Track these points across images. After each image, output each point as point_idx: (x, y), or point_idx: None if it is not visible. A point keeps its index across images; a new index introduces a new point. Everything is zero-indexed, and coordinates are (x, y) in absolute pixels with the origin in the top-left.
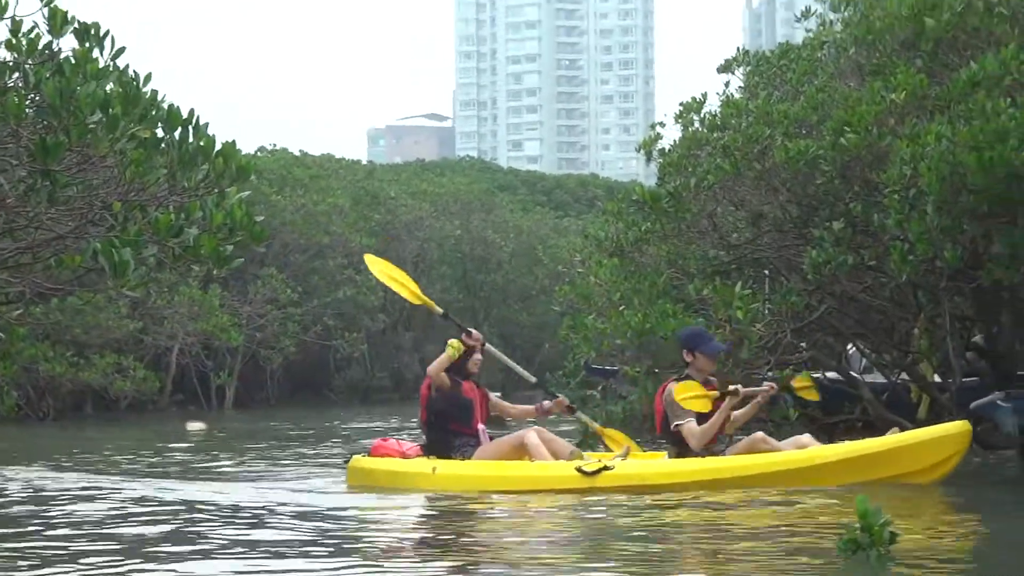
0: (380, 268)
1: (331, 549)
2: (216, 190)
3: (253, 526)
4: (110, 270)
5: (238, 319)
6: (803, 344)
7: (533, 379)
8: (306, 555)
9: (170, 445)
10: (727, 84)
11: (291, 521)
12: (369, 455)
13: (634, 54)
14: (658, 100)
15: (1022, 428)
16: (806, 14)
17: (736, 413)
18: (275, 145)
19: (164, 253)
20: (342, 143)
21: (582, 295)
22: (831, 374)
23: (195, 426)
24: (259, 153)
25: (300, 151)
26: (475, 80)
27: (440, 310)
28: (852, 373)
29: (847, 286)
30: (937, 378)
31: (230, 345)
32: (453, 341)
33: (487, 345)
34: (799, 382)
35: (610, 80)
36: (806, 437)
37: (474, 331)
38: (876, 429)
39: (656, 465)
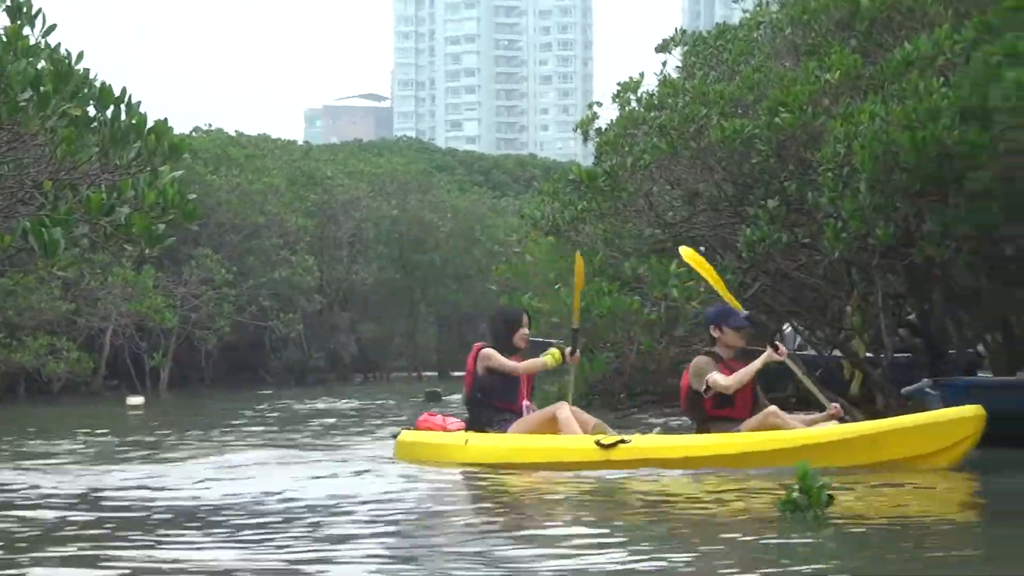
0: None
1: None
2: (148, 168)
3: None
4: (40, 250)
5: (172, 300)
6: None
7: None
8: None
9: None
10: (664, 64)
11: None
12: (415, 429)
13: (573, 35)
14: (596, 80)
15: None
16: None
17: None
18: (211, 125)
19: (95, 232)
20: (279, 123)
21: (518, 274)
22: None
23: (134, 400)
24: (194, 133)
25: (236, 131)
26: (413, 60)
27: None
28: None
29: (781, 264)
30: (869, 355)
31: (164, 326)
32: (556, 353)
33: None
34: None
35: (549, 60)
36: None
37: (576, 353)
38: (810, 405)
39: (672, 440)
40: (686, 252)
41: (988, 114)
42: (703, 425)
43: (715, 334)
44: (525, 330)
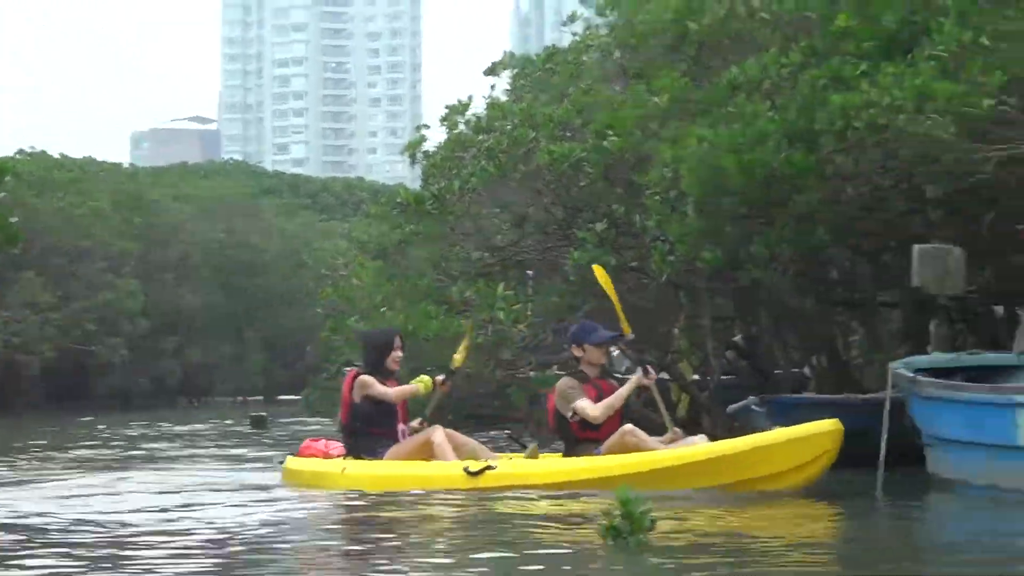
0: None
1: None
2: None
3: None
4: None
5: None
6: (565, 344)
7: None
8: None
9: None
10: (493, 87)
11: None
12: (297, 455)
13: (402, 57)
14: (425, 103)
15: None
16: (572, 18)
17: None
18: (34, 148)
19: None
20: (105, 146)
21: (345, 297)
22: None
23: None
24: (18, 156)
25: (60, 154)
26: (241, 83)
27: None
28: (615, 373)
29: None
30: (696, 377)
31: None
32: (427, 380)
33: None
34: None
35: (377, 83)
36: (698, 438)
37: (448, 381)
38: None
39: (536, 465)
40: (598, 270)
41: (814, 137)
42: (571, 448)
43: (577, 353)
44: (398, 352)
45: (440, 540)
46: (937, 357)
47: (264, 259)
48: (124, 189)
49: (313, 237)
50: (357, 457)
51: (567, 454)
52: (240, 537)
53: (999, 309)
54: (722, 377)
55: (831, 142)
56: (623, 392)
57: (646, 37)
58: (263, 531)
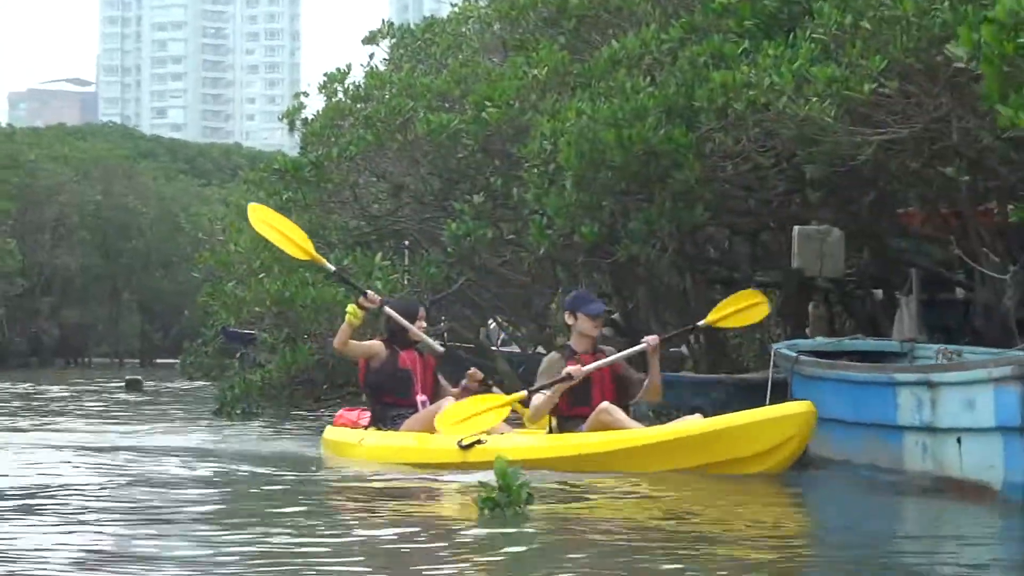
0: (262, 217)
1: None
2: None
3: None
4: None
5: None
6: (443, 316)
7: (440, 349)
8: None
9: None
10: (372, 56)
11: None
12: (333, 424)
13: (281, 24)
14: (304, 71)
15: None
16: None
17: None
18: None
19: None
20: None
21: (222, 262)
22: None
23: None
24: None
25: None
26: (119, 46)
27: (331, 268)
28: (490, 345)
29: (486, 259)
30: None
31: None
32: (350, 307)
33: (387, 308)
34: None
35: (256, 50)
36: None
37: (370, 292)
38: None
39: (522, 441)
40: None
41: (694, 115)
42: (560, 424)
43: (569, 322)
44: (422, 323)
45: (320, 514)
46: (820, 341)
47: (141, 222)
48: (1, 149)
49: (190, 202)
50: (377, 428)
51: (556, 430)
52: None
53: (878, 293)
54: None
55: (711, 120)
56: (551, 396)
57: (526, 9)
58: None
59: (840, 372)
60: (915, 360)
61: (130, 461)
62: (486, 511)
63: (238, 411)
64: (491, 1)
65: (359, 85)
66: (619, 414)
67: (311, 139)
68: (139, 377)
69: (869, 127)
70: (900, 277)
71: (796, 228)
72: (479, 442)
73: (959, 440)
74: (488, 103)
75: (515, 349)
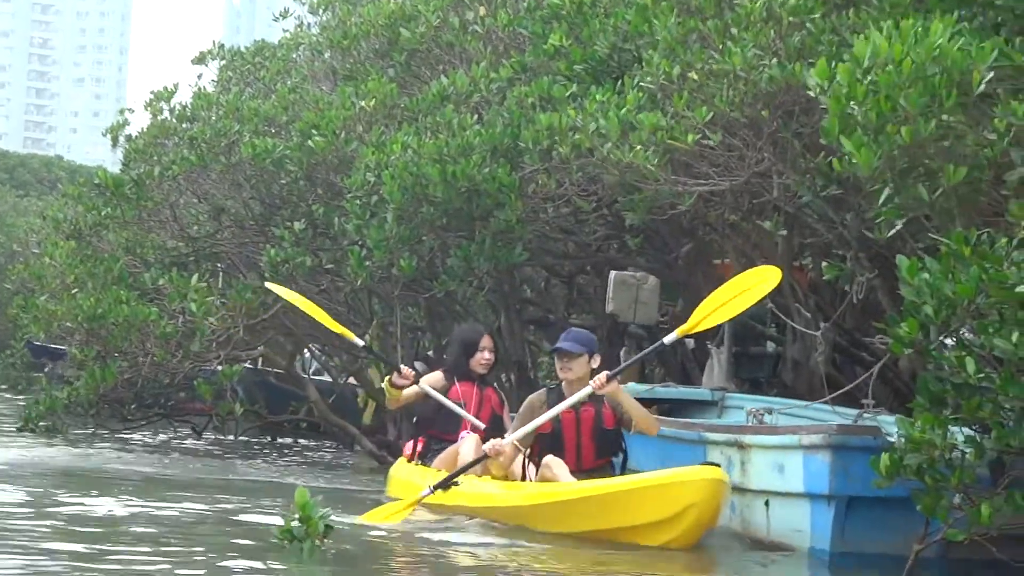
0: (287, 293)
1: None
2: None
3: None
4: None
5: None
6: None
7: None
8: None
9: None
10: (200, 76)
11: None
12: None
13: (109, 38)
14: (131, 87)
15: None
16: (284, 14)
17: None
18: None
19: None
20: None
21: (36, 275)
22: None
23: None
24: None
25: None
26: None
27: (361, 343)
28: (301, 373)
29: (304, 287)
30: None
31: None
32: (385, 383)
33: (421, 383)
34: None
35: (83, 63)
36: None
37: (404, 368)
38: (322, 431)
39: (482, 488)
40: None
41: (519, 154)
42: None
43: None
44: (486, 354)
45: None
46: (632, 387)
47: None
48: None
49: (7, 212)
50: (419, 462)
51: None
52: None
53: (690, 342)
54: None
55: (535, 161)
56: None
57: (357, 39)
58: None
59: None
60: (725, 409)
61: None
62: (285, 542)
63: (42, 426)
64: (324, 29)
65: (185, 105)
66: (558, 468)
67: (134, 156)
68: None
69: (691, 177)
70: (712, 328)
71: (613, 273)
72: (455, 483)
73: (767, 503)
74: (314, 131)
75: (326, 378)
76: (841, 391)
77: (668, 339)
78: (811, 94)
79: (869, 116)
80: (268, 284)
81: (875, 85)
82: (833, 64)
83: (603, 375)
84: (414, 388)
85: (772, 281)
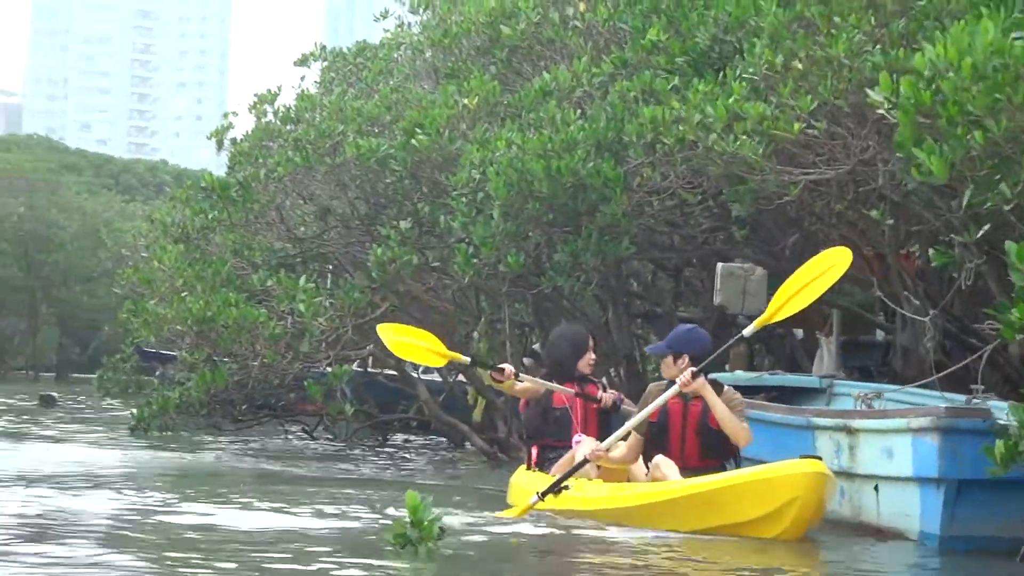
0: (391, 336)
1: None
2: None
3: None
4: None
5: None
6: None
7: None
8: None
9: None
10: (303, 78)
11: None
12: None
13: (210, 43)
14: (232, 90)
15: None
16: (384, 14)
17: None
18: None
19: None
20: None
21: (145, 279)
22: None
23: None
24: None
25: None
26: (48, 56)
27: (467, 360)
28: (410, 372)
29: (411, 285)
30: None
31: None
32: (488, 375)
33: (520, 380)
34: None
35: (184, 67)
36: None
37: (507, 366)
38: (432, 430)
39: (588, 491)
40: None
41: (623, 148)
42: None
43: None
44: (592, 355)
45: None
46: (740, 375)
47: (63, 236)
48: None
49: (114, 217)
50: (539, 468)
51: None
52: None
53: (799, 332)
54: None
55: (639, 154)
56: (625, 451)
57: (458, 38)
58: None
59: (758, 412)
60: (834, 397)
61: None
62: (398, 547)
63: (155, 428)
64: (424, 28)
65: (289, 107)
66: (667, 468)
67: (239, 159)
68: (54, 393)
69: (796, 167)
70: (820, 317)
71: (720, 265)
72: (566, 488)
73: (876, 487)
74: (418, 130)
75: (436, 378)
76: (948, 371)
77: (747, 331)
78: (879, 111)
79: (939, 123)
80: (379, 328)
81: (940, 93)
82: (895, 77)
83: (688, 372)
84: (525, 383)
85: (844, 263)
